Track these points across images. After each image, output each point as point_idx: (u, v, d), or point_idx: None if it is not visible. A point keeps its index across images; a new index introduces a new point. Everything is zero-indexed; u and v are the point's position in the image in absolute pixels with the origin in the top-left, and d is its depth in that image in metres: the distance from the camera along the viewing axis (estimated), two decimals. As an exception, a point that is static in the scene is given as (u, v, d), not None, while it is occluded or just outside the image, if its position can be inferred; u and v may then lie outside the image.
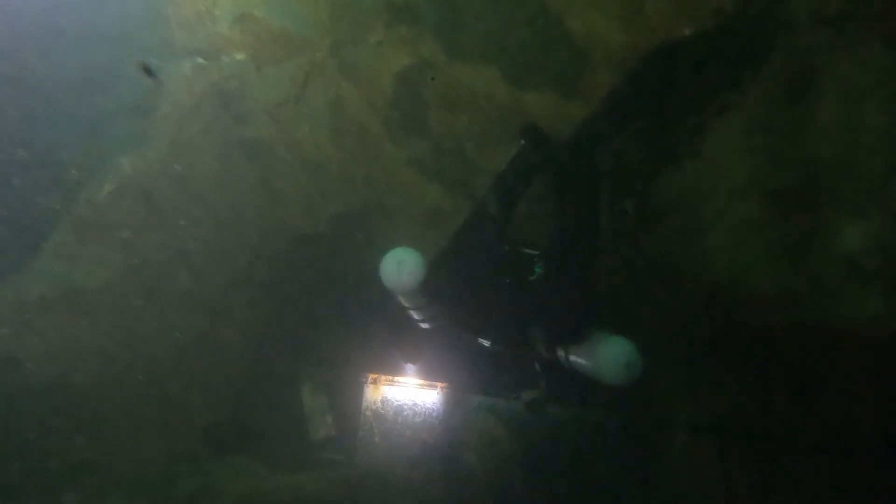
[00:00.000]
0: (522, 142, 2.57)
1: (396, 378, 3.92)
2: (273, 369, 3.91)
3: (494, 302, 2.48)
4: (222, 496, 3.25)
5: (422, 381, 3.89)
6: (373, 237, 4.14)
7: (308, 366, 3.94)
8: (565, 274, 2.44)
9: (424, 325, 2.84)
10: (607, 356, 2.23)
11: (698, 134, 2.23)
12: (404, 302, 2.62)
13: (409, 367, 3.69)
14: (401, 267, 2.38)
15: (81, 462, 2.80)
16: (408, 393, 3.88)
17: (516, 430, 3.69)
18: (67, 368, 2.60)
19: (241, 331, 3.59)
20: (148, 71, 2.61)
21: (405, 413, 3.86)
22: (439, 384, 3.99)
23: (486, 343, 2.79)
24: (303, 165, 3.56)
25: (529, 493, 3.55)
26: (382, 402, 3.87)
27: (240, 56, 3.09)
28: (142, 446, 3.14)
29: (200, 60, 2.97)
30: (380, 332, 3.61)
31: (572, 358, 2.34)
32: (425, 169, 3.43)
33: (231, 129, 3.28)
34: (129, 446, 3.04)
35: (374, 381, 3.90)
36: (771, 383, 2.92)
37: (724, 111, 2.08)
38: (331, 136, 3.38)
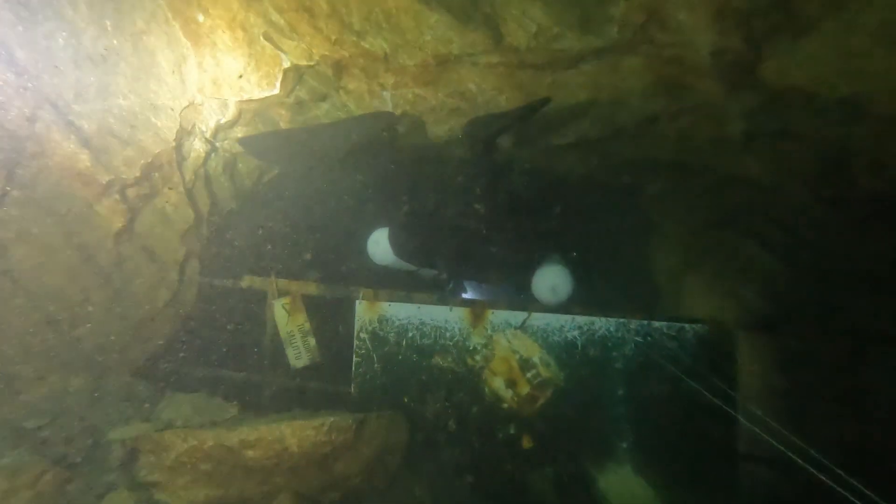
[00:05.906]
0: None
1: (399, 293, 3.04)
2: (232, 279, 2.97)
3: (468, 253, 2.68)
4: (170, 450, 2.34)
5: (433, 297, 3.02)
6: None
7: (280, 276, 3.02)
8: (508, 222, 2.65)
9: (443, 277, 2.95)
10: (538, 280, 2.62)
11: None
12: (404, 269, 2.89)
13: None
14: (377, 246, 2.74)
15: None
16: (413, 310, 3.01)
17: (557, 350, 2.90)
18: None
19: (177, 229, 2.58)
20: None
21: (411, 334, 3.02)
22: (457, 300, 3.13)
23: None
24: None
25: (574, 422, 2.83)
26: (381, 321, 3.01)
27: None
28: (47, 384, 2.26)
29: None
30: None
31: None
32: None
33: None
34: (22, 383, 2.15)
35: (369, 297, 3.01)
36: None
37: None
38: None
